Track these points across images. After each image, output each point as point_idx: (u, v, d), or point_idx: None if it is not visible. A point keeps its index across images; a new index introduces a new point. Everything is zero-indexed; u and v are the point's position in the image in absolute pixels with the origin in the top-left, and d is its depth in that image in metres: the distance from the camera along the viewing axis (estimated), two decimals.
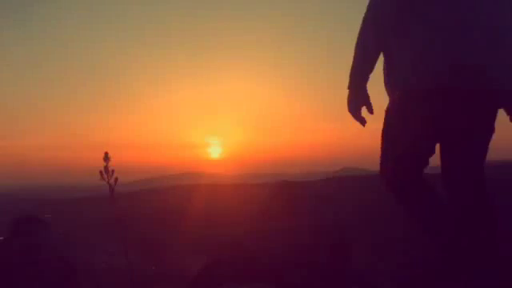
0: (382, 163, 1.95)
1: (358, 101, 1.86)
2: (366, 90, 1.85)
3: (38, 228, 3.90)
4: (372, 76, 1.88)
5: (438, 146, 1.97)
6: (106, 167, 2.01)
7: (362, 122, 1.89)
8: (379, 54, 1.85)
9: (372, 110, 1.88)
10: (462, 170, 1.87)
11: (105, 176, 2.01)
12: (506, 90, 1.77)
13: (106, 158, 2.00)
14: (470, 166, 1.87)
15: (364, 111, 1.92)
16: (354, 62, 1.82)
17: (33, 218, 4.02)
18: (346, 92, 1.89)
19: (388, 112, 1.92)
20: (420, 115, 1.78)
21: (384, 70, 1.94)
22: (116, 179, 2.03)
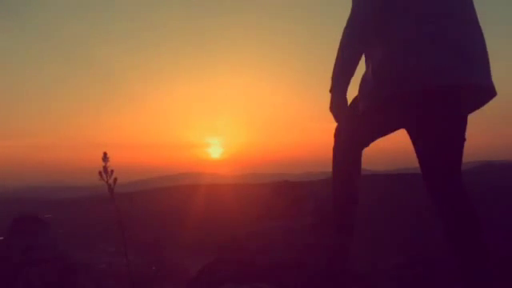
0: (339, 129, 2.20)
1: (341, 107, 1.98)
2: (346, 94, 1.98)
3: (37, 228, 3.90)
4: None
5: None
6: (105, 167, 2.00)
7: (345, 122, 2.06)
8: (360, 60, 1.97)
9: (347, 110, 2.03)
10: (441, 173, 1.96)
11: (104, 176, 2.01)
12: (473, 84, 1.87)
13: (105, 158, 2.00)
14: (449, 167, 1.96)
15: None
16: (336, 67, 1.95)
17: (33, 218, 4.02)
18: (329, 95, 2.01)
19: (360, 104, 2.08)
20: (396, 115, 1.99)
21: (364, 75, 2.08)
22: (115, 179, 2.02)
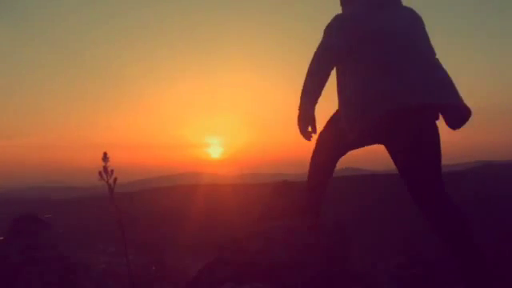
0: (320, 144, 2.45)
1: (305, 120, 2.24)
2: (313, 112, 2.23)
3: (37, 228, 3.90)
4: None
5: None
6: (105, 167, 2.00)
7: (308, 137, 2.29)
8: (326, 83, 2.20)
9: (316, 130, 2.27)
10: (423, 183, 2.12)
11: (104, 176, 2.00)
12: (438, 104, 2.11)
13: (105, 158, 1.99)
14: (430, 179, 2.13)
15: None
16: (304, 88, 2.20)
17: (33, 218, 4.02)
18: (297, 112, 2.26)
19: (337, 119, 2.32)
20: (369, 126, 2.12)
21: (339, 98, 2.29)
22: (115, 179, 2.02)
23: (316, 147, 2.47)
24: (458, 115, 2.15)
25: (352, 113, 2.12)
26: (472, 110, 2.13)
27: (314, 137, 2.33)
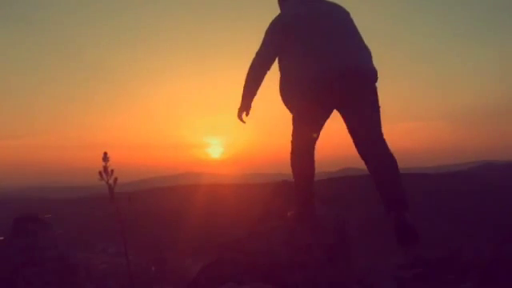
0: (293, 143, 2.82)
1: (243, 110, 2.80)
2: (250, 103, 2.79)
3: (38, 228, 3.90)
4: None
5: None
6: (105, 167, 2.00)
7: (242, 121, 2.84)
8: (262, 80, 2.75)
9: (248, 114, 2.82)
10: (370, 132, 2.59)
11: (104, 176, 2.00)
12: (360, 69, 2.58)
13: (105, 158, 1.99)
14: (370, 128, 2.59)
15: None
16: (245, 86, 2.75)
17: (33, 218, 4.02)
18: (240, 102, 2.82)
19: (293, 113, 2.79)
20: (314, 108, 2.64)
21: (280, 87, 2.77)
22: (115, 179, 2.02)
23: (292, 142, 2.82)
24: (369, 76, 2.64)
25: (292, 89, 2.64)
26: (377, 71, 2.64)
27: (246, 118, 2.85)
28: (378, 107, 2.60)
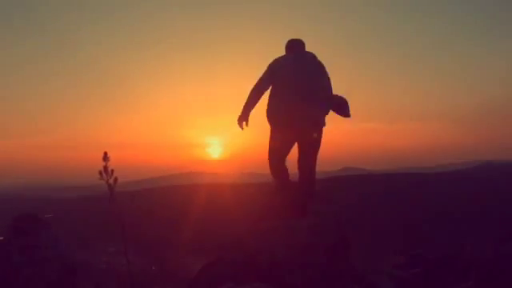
0: (269, 153, 3.73)
1: (243, 119, 3.65)
2: (249, 115, 3.66)
3: (37, 228, 3.90)
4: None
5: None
6: (105, 167, 2.00)
7: (241, 128, 3.67)
8: (258, 101, 3.67)
9: (247, 124, 3.69)
10: (304, 163, 3.65)
11: (104, 176, 2.00)
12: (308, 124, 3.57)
13: (106, 157, 1.99)
14: (308, 160, 3.66)
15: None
16: (247, 101, 3.66)
17: (33, 218, 4.02)
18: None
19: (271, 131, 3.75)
20: (283, 134, 3.66)
21: (267, 105, 3.70)
22: (115, 179, 2.01)
23: (269, 160, 3.73)
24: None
25: (271, 113, 3.62)
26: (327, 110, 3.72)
27: (245, 127, 3.72)
28: (319, 145, 3.63)
